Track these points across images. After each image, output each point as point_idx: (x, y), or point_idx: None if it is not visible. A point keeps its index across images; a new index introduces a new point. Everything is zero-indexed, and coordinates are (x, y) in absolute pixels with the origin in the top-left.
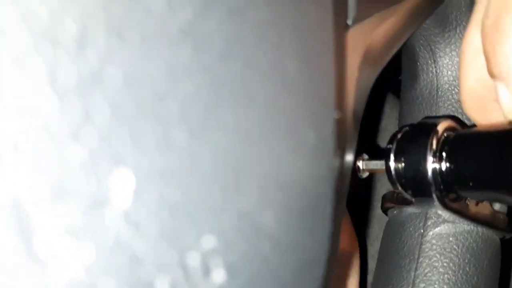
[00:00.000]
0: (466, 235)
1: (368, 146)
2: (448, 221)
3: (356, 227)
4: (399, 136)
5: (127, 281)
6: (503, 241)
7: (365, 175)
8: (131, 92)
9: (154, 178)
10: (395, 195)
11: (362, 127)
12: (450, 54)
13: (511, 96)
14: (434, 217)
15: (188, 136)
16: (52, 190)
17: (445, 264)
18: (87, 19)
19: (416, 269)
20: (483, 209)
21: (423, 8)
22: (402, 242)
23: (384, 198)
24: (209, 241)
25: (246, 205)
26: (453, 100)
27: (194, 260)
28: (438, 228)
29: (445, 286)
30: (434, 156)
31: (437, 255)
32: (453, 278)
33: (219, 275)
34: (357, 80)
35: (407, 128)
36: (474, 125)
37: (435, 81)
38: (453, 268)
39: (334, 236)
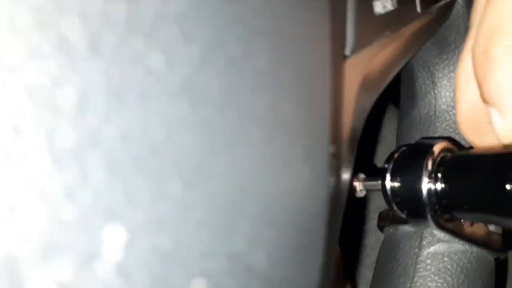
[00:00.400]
0: (460, 255)
1: (367, 162)
2: (443, 241)
3: (353, 237)
4: (396, 155)
5: None
6: (497, 261)
7: (362, 194)
8: (127, 150)
9: (146, 229)
10: (391, 213)
11: (361, 137)
12: (449, 75)
13: (504, 121)
14: (429, 236)
15: (182, 186)
16: (44, 247)
17: (439, 284)
18: (87, 84)
19: None
20: (478, 229)
21: (422, 33)
22: (397, 261)
23: (380, 216)
24: (199, 285)
25: (237, 246)
26: (450, 121)
27: None
28: (433, 247)
29: None
30: (429, 177)
31: (431, 275)
32: None
33: None
34: (354, 106)
35: (404, 148)
36: (471, 147)
37: (433, 102)
38: None
39: (327, 267)
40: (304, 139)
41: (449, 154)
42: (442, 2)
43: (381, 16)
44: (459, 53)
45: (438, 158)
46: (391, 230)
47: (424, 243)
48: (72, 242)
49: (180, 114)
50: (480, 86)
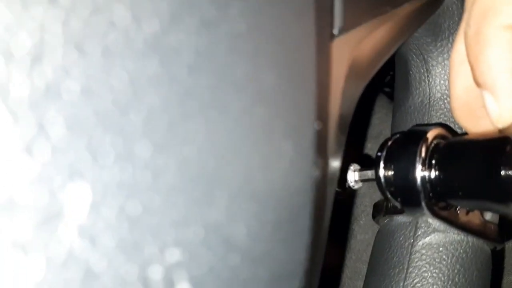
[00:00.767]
0: (456, 245)
1: (362, 153)
2: (438, 231)
3: (349, 233)
4: (389, 143)
5: None
6: (494, 252)
7: (358, 186)
8: (90, 105)
9: (113, 192)
10: (386, 203)
11: (356, 132)
12: (443, 63)
13: (498, 104)
14: (424, 226)
15: (151, 149)
16: (0, 204)
17: (434, 275)
18: (44, 33)
19: (405, 279)
20: (474, 218)
21: (414, 18)
22: (392, 252)
23: (375, 207)
24: (172, 254)
25: (214, 217)
26: (445, 109)
27: (156, 273)
28: (428, 237)
29: None
30: (423, 164)
31: (426, 265)
32: None
33: None
34: (343, 90)
35: (397, 135)
36: (465, 133)
37: (428, 90)
38: (443, 278)
39: (314, 247)
40: (287, 111)
41: (442, 141)
42: None
43: None
44: (453, 40)
45: (432, 145)
46: (386, 220)
47: (419, 233)
48: (31, 200)
49: (149, 73)
50: (472, 69)
